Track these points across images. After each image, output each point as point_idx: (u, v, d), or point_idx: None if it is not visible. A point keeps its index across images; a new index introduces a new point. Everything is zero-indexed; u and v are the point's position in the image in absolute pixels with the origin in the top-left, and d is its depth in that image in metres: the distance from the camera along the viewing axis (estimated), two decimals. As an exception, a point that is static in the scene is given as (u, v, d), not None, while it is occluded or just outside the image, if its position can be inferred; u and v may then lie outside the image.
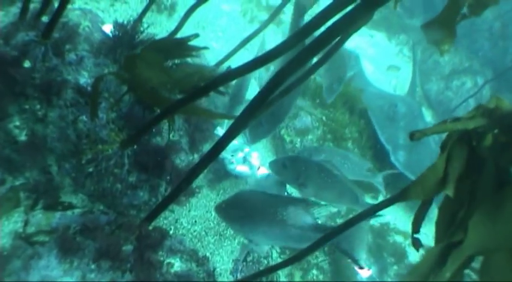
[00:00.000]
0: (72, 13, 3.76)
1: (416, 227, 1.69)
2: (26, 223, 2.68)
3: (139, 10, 3.35)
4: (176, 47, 2.72)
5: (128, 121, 2.74)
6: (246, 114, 2.00)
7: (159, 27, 4.32)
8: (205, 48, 2.76)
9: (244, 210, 2.42)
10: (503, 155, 1.57)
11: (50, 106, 2.60)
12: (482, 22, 6.11)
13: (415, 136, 1.51)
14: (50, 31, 2.55)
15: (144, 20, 4.26)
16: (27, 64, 2.52)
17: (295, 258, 2.35)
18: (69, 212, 2.82)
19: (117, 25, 2.92)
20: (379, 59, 6.25)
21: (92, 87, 2.46)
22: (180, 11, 4.40)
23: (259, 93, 1.92)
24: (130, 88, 2.57)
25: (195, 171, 2.32)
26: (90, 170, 2.71)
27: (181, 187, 2.42)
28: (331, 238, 2.06)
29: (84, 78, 2.65)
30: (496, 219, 1.48)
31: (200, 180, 3.51)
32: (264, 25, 3.85)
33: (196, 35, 2.91)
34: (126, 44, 2.91)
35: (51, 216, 2.77)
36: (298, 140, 4.22)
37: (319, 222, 2.35)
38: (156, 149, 2.82)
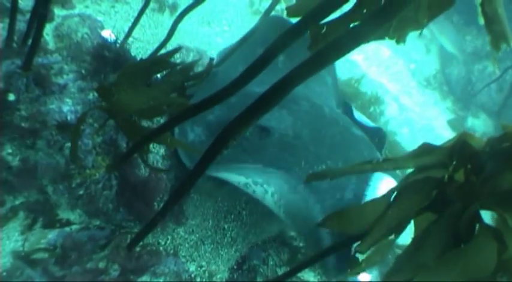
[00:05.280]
0: (71, 20, 3.81)
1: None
2: (25, 241, 2.84)
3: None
4: (154, 65, 2.71)
5: (113, 145, 2.80)
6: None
7: (160, 27, 4.30)
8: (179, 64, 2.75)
9: None
10: (471, 198, 1.50)
11: (37, 135, 2.69)
12: (510, 2, 5.66)
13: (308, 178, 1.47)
14: (30, 63, 2.60)
15: (144, 20, 4.27)
16: (11, 97, 2.60)
17: (294, 271, 2.39)
18: (67, 228, 2.96)
19: (103, 45, 2.94)
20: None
21: (73, 129, 2.53)
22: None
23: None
24: (110, 116, 2.61)
25: (175, 196, 2.35)
26: (81, 192, 2.81)
27: (163, 213, 2.48)
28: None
29: (68, 106, 2.70)
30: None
31: (198, 188, 3.55)
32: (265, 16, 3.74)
33: (178, 49, 2.89)
34: (111, 63, 2.93)
35: (50, 233, 2.92)
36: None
37: None
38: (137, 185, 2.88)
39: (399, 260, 1.58)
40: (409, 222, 1.62)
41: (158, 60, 2.73)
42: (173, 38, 3.55)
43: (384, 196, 1.60)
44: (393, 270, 1.57)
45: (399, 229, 1.64)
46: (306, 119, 3.44)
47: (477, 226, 1.47)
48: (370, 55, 5.53)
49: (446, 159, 1.54)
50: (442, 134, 5.55)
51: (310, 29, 1.93)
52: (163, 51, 3.73)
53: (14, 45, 2.84)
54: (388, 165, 1.60)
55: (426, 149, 1.59)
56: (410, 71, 5.81)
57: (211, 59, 3.11)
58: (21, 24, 3.02)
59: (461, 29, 5.89)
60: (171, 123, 2.36)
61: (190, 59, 4.18)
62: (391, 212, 1.57)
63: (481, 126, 5.86)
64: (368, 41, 1.84)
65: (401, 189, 1.59)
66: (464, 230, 1.47)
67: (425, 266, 1.46)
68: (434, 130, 5.52)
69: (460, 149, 1.53)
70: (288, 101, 3.51)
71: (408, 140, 5.09)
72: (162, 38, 3.54)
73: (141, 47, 4.02)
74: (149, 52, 3.68)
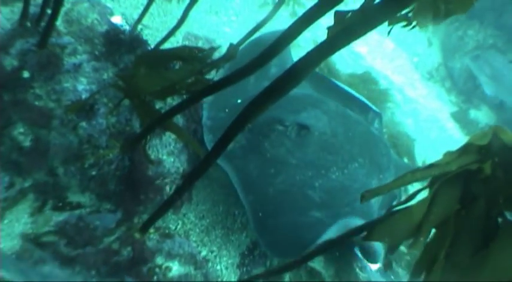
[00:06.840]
0: (81, 6, 3.76)
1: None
2: (35, 224, 2.81)
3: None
4: (175, 55, 2.69)
5: (128, 125, 2.77)
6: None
7: (169, 15, 4.28)
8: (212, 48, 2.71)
9: None
10: (497, 194, 1.50)
11: (51, 114, 2.65)
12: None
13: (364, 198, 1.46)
14: (45, 41, 2.57)
15: (153, 8, 4.25)
16: (26, 74, 2.57)
17: (301, 261, 2.38)
18: (77, 211, 2.93)
19: (116, 29, 2.92)
20: (400, 34, 6.00)
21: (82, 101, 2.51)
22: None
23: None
24: (126, 96, 2.59)
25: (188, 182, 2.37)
26: (93, 173, 2.78)
27: (176, 196, 2.48)
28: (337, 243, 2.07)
29: (83, 85, 2.68)
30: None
31: (209, 173, 3.53)
32: (276, 8, 3.73)
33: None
34: (126, 45, 2.91)
35: (60, 216, 2.88)
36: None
37: None
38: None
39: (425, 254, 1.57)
40: (451, 216, 1.61)
41: (180, 51, 2.70)
42: (182, 26, 3.54)
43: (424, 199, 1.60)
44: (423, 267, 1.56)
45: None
46: (338, 119, 3.52)
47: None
48: (375, 48, 5.56)
49: (481, 155, 1.55)
50: (446, 126, 5.58)
51: (335, 14, 1.95)
52: (173, 38, 3.72)
53: (28, 24, 2.81)
54: (433, 170, 1.60)
55: (466, 148, 1.60)
56: (413, 64, 5.85)
57: (231, 45, 3.08)
58: (32, 9, 2.99)
59: (464, 22, 5.93)
60: (186, 103, 2.34)
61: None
62: (435, 208, 1.57)
63: (484, 118, 5.90)
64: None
65: (440, 186, 1.59)
66: (490, 227, 1.48)
67: (460, 265, 1.47)
68: (438, 121, 5.55)
69: (490, 141, 1.54)
70: (317, 101, 3.60)
71: (413, 130, 5.12)
72: (171, 26, 3.53)
73: (151, 34, 4.00)
74: (158, 39, 3.65)
